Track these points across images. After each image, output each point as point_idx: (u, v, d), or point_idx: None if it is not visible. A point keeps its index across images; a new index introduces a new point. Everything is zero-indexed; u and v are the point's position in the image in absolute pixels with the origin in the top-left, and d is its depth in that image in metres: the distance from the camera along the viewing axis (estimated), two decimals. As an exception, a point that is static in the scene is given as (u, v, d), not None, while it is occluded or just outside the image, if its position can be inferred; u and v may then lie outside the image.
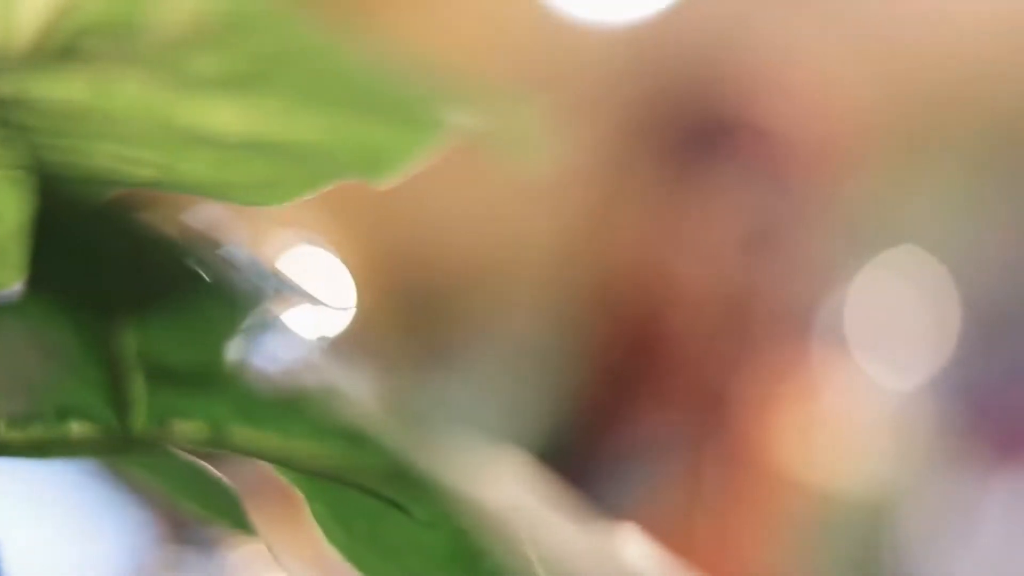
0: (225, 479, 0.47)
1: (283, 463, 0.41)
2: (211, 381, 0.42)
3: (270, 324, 0.50)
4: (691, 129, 1.37)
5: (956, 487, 1.52)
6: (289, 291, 0.51)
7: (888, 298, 2.20)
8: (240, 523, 0.46)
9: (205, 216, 0.52)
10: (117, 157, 0.38)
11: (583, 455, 1.35)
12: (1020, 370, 4.55)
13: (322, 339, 0.52)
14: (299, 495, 0.46)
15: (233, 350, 0.47)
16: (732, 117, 1.36)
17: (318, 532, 0.45)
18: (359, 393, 0.50)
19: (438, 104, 0.34)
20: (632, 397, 1.37)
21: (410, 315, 5.47)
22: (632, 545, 0.45)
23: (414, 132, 0.36)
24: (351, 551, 0.44)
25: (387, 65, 0.32)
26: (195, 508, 0.47)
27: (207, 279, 0.48)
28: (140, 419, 0.38)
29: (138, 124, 0.37)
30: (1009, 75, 4.09)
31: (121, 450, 0.40)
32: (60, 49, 0.36)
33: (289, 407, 0.41)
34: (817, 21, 3.99)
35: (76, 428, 0.38)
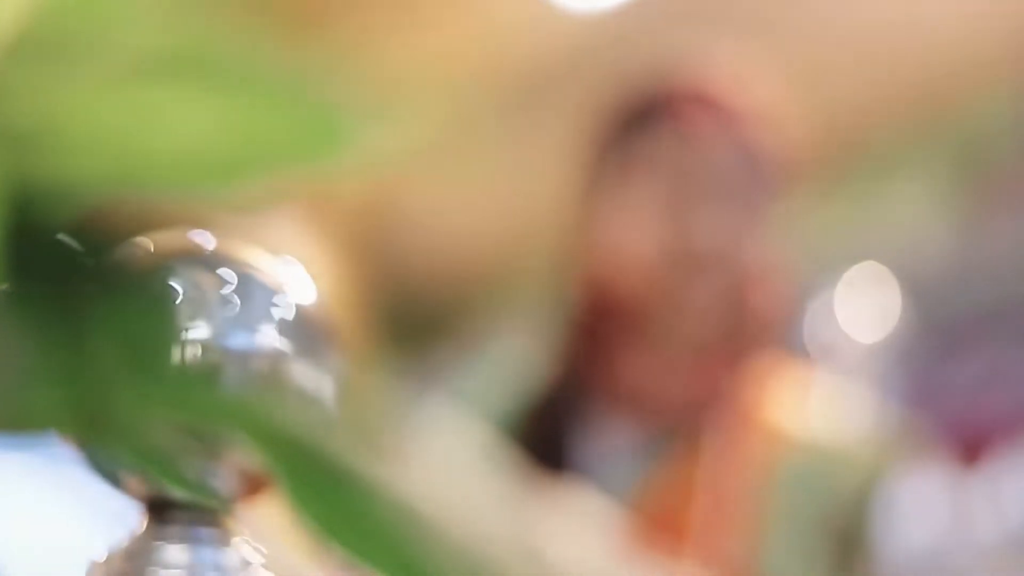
0: (198, 456, 0.50)
1: (250, 436, 0.44)
2: (173, 369, 0.45)
3: (234, 321, 0.53)
4: (636, 106, 1.38)
5: (918, 481, 1.55)
6: (257, 295, 0.54)
7: (850, 311, 2.24)
8: (212, 498, 0.49)
9: (190, 234, 0.54)
10: (87, 159, 0.40)
11: (571, 426, 1.37)
12: (978, 380, 4.65)
13: (297, 335, 0.55)
14: (273, 474, 0.49)
15: (196, 341, 0.50)
16: (677, 91, 1.37)
17: (289, 507, 0.47)
18: (321, 385, 0.53)
19: (343, 113, 0.37)
20: (611, 367, 1.38)
21: (398, 312, 5.48)
22: (580, 513, 0.47)
23: (320, 136, 0.39)
24: (321, 522, 0.46)
25: (307, 75, 0.36)
26: (169, 485, 0.49)
27: (170, 284, 0.51)
28: (111, 400, 0.41)
29: (104, 122, 0.40)
30: (968, 92, 4.12)
31: (93, 421, 0.42)
32: (30, 53, 0.38)
33: (243, 392, 0.44)
34: (772, 35, 4.01)
35: (45, 400, 0.41)
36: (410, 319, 5.80)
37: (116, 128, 0.40)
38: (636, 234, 1.37)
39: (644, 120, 1.38)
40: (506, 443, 1.35)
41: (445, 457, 1.37)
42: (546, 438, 1.37)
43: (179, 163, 0.41)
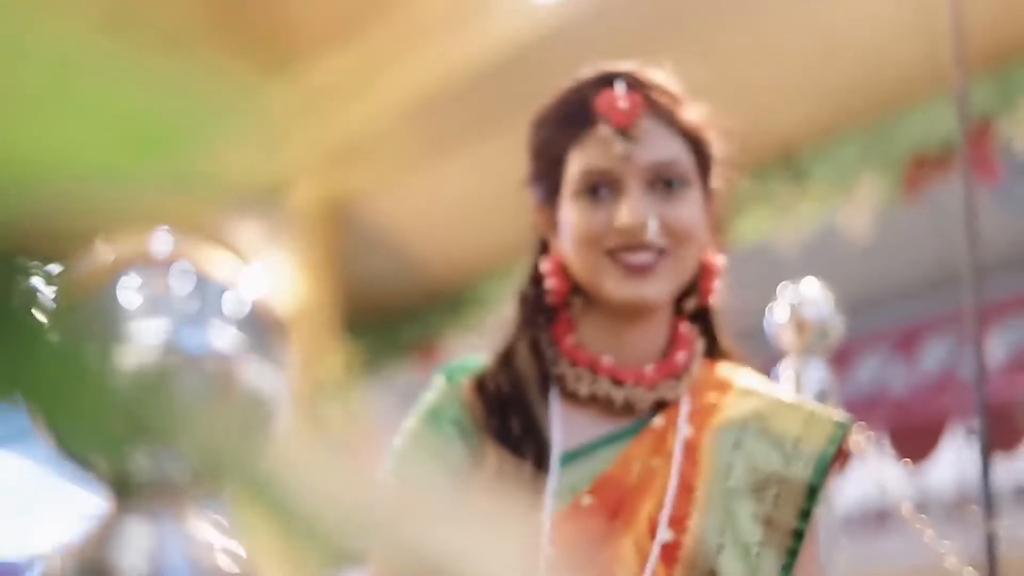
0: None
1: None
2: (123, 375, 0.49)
3: (188, 322, 0.55)
4: (571, 91, 1.42)
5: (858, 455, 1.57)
6: (211, 296, 0.57)
7: (790, 319, 2.26)
8: (169, 480, 0.51)
9: (145, 238, 0.57)
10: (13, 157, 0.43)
11: (545, 415, 1.39)
12: (918, 385, 4.74)
13: (250, 334, 0.57)
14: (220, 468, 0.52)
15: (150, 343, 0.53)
16: (610, 75, 1.40)
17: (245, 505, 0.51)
18: (272, 382, 0.56)
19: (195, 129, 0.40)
20: (580, 352, 1.41)
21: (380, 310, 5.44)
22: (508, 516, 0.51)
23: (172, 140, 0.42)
24: (271, 519, 0.49)
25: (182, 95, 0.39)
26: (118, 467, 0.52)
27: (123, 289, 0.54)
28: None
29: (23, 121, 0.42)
30: (903, 100, 4.16)
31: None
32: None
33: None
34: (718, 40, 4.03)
35: None
36: (376, 324, 5.77)
37: (35, 124, 0.43)
38: (575, 217, 1.39)
39: (578, 104, 1.40)
40: (461, 446, 1.38)
41: (382, 458, 1.40)
42: (523, 427, 1.39)
43: (87, 153, 0.43)
